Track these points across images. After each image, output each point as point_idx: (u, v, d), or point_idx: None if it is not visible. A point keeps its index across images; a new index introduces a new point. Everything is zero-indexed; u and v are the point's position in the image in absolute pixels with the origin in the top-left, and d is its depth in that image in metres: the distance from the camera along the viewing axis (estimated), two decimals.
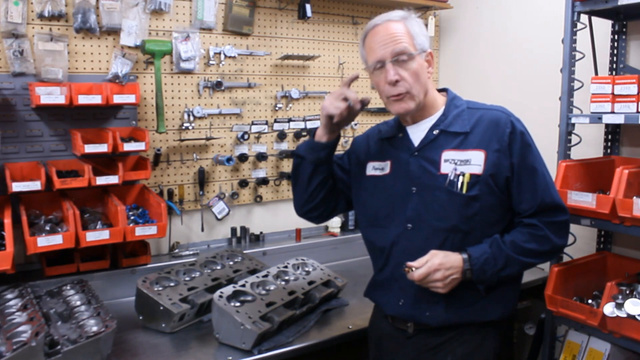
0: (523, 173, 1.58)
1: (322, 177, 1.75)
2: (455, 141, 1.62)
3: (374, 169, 1.77)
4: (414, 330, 1.67)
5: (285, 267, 2.27)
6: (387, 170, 1.72)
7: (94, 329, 1.67)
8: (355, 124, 3.16)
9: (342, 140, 3.13)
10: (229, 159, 2.65)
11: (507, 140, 1.57)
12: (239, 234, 2.83)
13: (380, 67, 1.60)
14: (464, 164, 1.58)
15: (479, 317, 1.62)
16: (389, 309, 1.72)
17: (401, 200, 1.66)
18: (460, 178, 1.57)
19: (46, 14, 2.25)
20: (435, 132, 1.65)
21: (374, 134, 1.85)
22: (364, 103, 1.68)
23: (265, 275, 2.14)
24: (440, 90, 1.74)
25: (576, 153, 2.28)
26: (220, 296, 1.88)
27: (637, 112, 1.98)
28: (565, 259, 2.32)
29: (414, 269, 1.55)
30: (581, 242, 2.42)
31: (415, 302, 1.64)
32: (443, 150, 1.62)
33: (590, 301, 2.13)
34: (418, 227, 1.63)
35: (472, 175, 1.57)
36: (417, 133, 1.68)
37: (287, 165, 2.97)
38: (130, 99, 2.29)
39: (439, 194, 1.60)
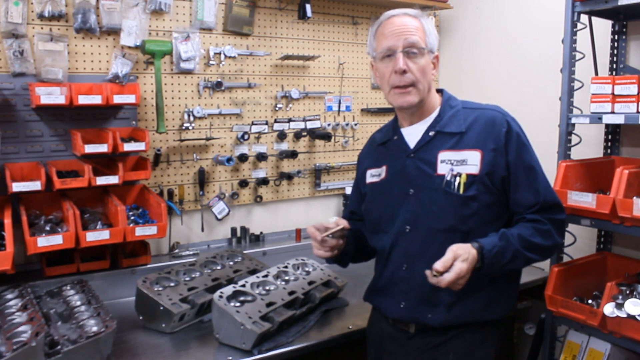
0: (520, 171, 1.59)
1: (353, 251, 1.83)
2: (451, 141, 1.62)
3: (371, 176, 1.78)
4: (415, 330, 1.67)
5: (285, 267, 2.27)
6: (383, 175, 1.73)
7: (94, 329, 1.67)
8: (356, 124, 3.16)
9: (342, 140, 3.14)
10: (229, 159, 2.65)
11: (503, 139, 1.58)
12: (239, 234, 2.83)
13: (389, 55, 1.61)
14: (460, 164, 1.58)
15: (480, 317, 1.62)
16: (390, 313, 1.72)
17: (399, 202, 1.66)
18: (457, 179, 1.57)
19: (46, 14, 2.25)
20: (431, 133, 1.65)
21: (370, 143, 1.87)
22: (335, 234, 1.67)
23: (265, 275, 2.14)
24: (436, 92, 1.74)
25: (576, 153, 2.28)
26: (220, 296, 1.88)
27: (637, 112, 1.98)
28: (565, 259, 2.32)
29: (435, 273, 1.45)
30: (581, 242, 2.42)
31: (416, 304, 1.64)
32: (439, 150, 1.62)
33: (590, 301, 2.14)
34: (416, 229, 1.63)
35: (468, 176, 1.57)
36: (412, 135, 1.69)
37: (287, 165, 2.97)
38: (130, 99, 2.29)
39: (436, 195, 1.60)
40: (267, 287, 2.08)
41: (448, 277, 1.44)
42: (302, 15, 2.79)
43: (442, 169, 1.60)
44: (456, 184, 1.57)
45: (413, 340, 1.67)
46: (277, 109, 2.91)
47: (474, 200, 1.57)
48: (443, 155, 1.61)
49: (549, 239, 1.61)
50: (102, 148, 2.18)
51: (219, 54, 2.70)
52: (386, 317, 1.74)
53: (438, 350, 1.64)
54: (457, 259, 1.47)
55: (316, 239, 1.66)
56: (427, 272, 1.48)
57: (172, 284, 2.07)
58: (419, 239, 1.62)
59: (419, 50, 1.59)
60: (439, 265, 1.45)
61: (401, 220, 1.65)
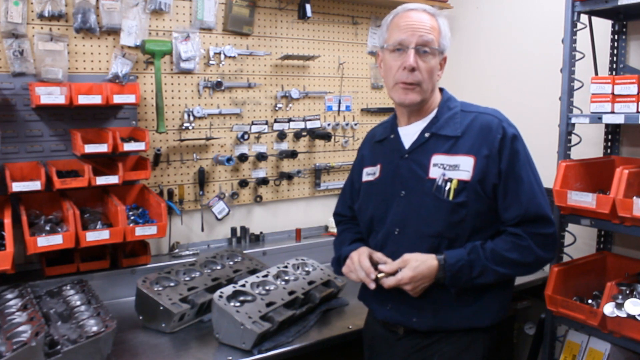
0: (509, 180, 1.55)
1: None
2: (445, 145, 1.60)
3: (367, 174, 1.77)
4: (404, 332, 1.67)
5: (285, 267, 2.27)
6: (377, 175, 1.72)
7: (94, 329, 1.67)
8: (355, 124, 3.16)
9: (342, 140, 3.14)
10: (229, 159, 2.65)
11: (497, 146, 1.55)
12: (239, 234, 2.83)
13: (400, 49, 1.58)
14: (452, 169, 1.56)
15: (468, 324, 1.61)
16: (378, 314, 1.72)
17: (390, 203, 1.65)
18: (448, 184, 1.55)
19: (46, 14, 2.25)
20: (427, 134, 1.63)
21: (370, 138, 1.86)
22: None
23: (265, 275, 2.14)
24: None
25: (576, 153, 2.28)
26: (220, 296, 1.88)
27: (637, 112, 1.98)
28: (565, 259, 2.32)
29: (379, 275, 1.57)
30: (581, 242, 2.42)
31: (402, 307, 1.63)
32: (433, 154, 1.60)
33: (590, 301, 2.14)
34: (404, 232, 1.62)
35: (459, 182, 1.55)
36: (408, 135, 1.67)
37: (287, 165, 2.97)
38: (130, 99, 2.29)
39: (426, 199, 1.58)
40: (267, 287, 2.08)
41: (388, 281, 1.56)
42: (302, 15, 2.79)
43: (434, 172, 1.58)
44: (446, 189, 1.55)
45: (402, 342, 1.67)
46: (277, 108, 2.91)
47: (463, 207, 1.55)
48: (436, 158, 1.59)
49: (527, 255, 1.56)
50: (102, 148, 2.18)
51: (219, 53, 2.70)
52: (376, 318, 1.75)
53: (424, 352, 1.63)
54: (404, 267, 1.54)
55: (370, 278, 1.60)
56: (381, 266, 1.59)
57: (172, 284, 2.07)
58: (407, 242, 1.60)
59: (431, 51, 1.57)
60: (384, 267, 1.58)
61: (391, 221, 1.64)
